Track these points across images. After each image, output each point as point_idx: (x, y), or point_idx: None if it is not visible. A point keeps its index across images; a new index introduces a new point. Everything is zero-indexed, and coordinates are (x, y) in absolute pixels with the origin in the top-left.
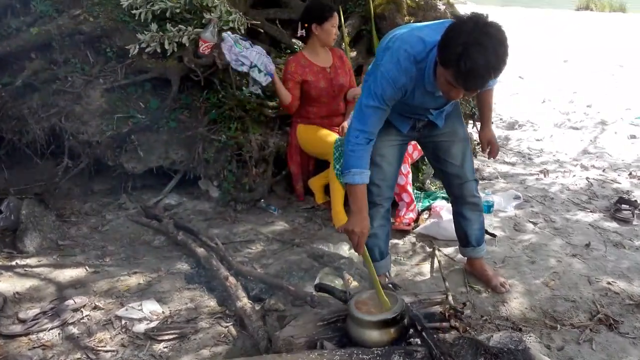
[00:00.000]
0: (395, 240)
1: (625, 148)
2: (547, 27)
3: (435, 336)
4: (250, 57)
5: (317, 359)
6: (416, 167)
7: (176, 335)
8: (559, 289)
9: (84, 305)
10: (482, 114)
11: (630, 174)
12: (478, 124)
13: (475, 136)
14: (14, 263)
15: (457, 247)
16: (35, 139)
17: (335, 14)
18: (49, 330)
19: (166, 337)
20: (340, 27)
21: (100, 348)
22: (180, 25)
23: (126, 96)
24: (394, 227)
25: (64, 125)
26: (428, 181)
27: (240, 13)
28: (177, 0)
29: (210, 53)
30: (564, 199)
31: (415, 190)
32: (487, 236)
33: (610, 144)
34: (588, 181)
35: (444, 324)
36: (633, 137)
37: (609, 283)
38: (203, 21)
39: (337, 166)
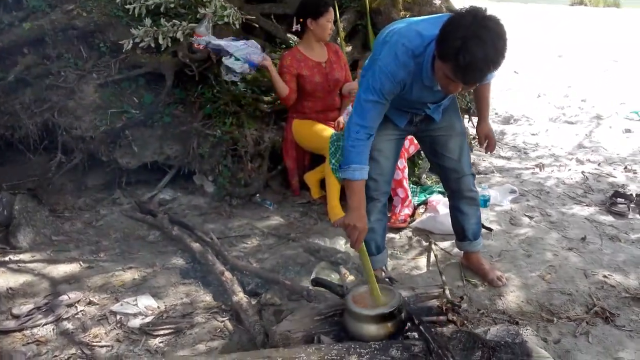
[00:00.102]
0: (392, 235)
1: (620, 142)
2: (541, 22)
3: (432, 330)
4: (227, 47)
5: (315, 353)
6: (412, 161)
7: (172, 330)
8: (555, 282)
9: (79, 301)
10: (480, 108)
11: (625, 167)
12: (474, 119)
13: (471, 130)
14: (7, 259)
15: (454, 241)
16: (28, 134)
17: (331, 8)
18: (43, 325)
19: (162, 332)
20: (335, 21)
21: (95, 343)
22: (174, 20)
23: (120, 91)
24: (390, 225)
25: (57, 121)
26: (424, 175)
27: (235, 8)
28: None
29: (204, 48)
30: (559, 193)
31: (411, 185)
32: (483, 230)
33: (605, 138)
34: (583, 175)
35: (441, 317)
36: (628, 131)
37: (605, 276)
38: (197, 16)
39: (333, 161)
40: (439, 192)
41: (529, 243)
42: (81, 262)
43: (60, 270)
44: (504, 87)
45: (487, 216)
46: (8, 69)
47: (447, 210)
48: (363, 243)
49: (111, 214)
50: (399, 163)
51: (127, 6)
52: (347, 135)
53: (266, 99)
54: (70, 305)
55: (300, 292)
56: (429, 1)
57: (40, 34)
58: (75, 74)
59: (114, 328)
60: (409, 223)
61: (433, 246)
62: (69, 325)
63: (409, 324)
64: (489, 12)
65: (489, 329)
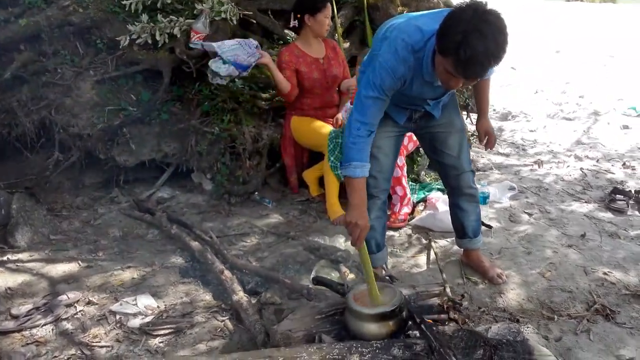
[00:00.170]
0: (391, 232)
1: (618, 138)
2: (538, 18)
3: (434, 328)
4: (217, 48)
5: (316, 352)
6: (411, 158)
7: (172, 330)
8: (556, 279)
9: (78, 301)
10: (479, 104)
11: (624, 164)
12: (472, 115)
13: (469, 127)
14: (5, 258)
15: (453, 238)
16: (25, 132)
17: (328, 4)
18: (43, 326)
19: (162, 332)
20: (333, 17)
21: (95, 344)
22: (171, 16)
23: (117, 88)
24: (390, 224)
25: (54, 118)
26: (423, 173)
27: (232, 3)
28: None
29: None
30: (558, 190)
31: (410, 182)
32: (482, 227)
33: (604, 135)
34: (582, 172)
35: (442, 316)
36: (626, 127)
37: (605, 273)
38: (194, 12)
39: (332, 158)
40: (438, 190)
41: (529, 240)
42: (80, 262)
43: (59, 269)
44: (502, 83)
45: (486, 213)
46: (4, 66)
47: (447, 208)
48: (365, 245)
49: (109, 213)
50: (397, 161)
51: (124, 2)
52: (347, 132)
53: (264, 95)
54: (69, 305)
55: (300, 291)
56: None
57: (36, 30)
58: (72, 70)
59: (114, 328)
60: (409, 221)
61: (433, 244)
62: (68, 326)
63: (410, 322)
64: (489, 7)
65: (490, 327)
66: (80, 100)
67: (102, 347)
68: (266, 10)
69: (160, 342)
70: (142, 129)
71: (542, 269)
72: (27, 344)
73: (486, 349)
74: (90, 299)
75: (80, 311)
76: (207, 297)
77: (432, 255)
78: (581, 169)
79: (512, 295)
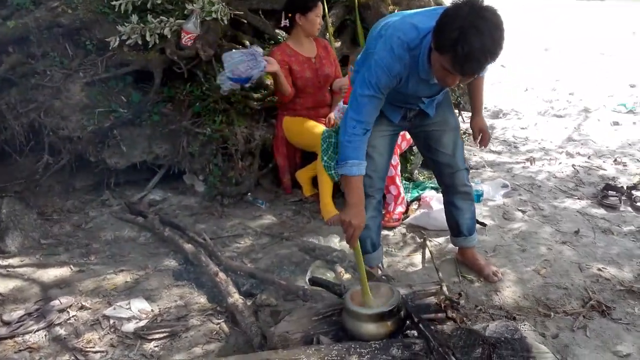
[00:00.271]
0: (386, 232)
1: (609, 135)
2: (526, 15)
3: (432, 328)
4: (224, 61)
5: (315, 354)
6: (404, 157)
7: (167, 334)
8: (551, 276)
9: (70, 306)
10: (474, 102)
11: (615, 160)
12: (464, 113)
13: (461, 125)
14: None
15: (448, 237)
16: (14, 135)
17: (319, 3)
18: (35, 332)
19: (157, 336)
20: (323, 17)
21: (89, 349)
22: (161, 17)
23: (107, 90)
24: (384, 224)
25: (44, 121)
26: (416, 171)
27: (223, 3)
28: None
29: (193, 45)
30: (551, 187)
31: (404, 181)
32: (477, 225)
33: (594, 131)
34: (574, 168)
35: (440, 315)
36: (616, 123)
37: (599, 269)
38: (185, 12)
39: (325, 158)
40: (432, 188)
41: (523, 237)
42: (71, 266)
43: (51, 274)
44: (492, 81)
45: (480, 211)
46: None
47: (441, 206)
48: (358, 242)
49: (100, 216)
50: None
51: (113, 3)
52: (343, 131)
53: (256, 96)
54: (62, 311)
55: (296, 292)
56: None
57: (25, 32)
58: (61, 72)
59: (108, 333)
60: (403, 220)
61: (427, 242)
62: (61, 331)
63: (408, 322)
64: (485, 3)
65: (488, 326)
66: (69, 102)
67: (96, 352)
68: (257, 10)
69: (155, 346)
70: (133, 131)
71: (537, 266)
72: (20, 350)
73: (485, 348)
74: (83, 303)
75: (73, 316)
76: (202, 299)
77: (427, 254)
78: (573, 165)
79: (508, 293)
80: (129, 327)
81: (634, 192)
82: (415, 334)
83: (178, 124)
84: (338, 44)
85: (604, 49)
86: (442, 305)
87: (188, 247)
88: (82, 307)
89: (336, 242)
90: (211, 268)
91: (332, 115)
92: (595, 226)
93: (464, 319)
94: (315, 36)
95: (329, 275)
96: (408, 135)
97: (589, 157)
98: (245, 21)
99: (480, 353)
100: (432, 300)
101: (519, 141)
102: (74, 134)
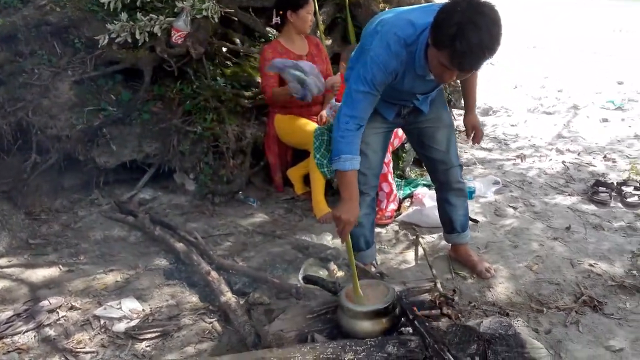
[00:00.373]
0: (378, 229)
1: (598, 131)
2: (513, 13)
3: (427, 324)
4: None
5: (310, 352)
6: (396, 154)
7: (158, 334)
8: (543, 272)
9: (60, 306)
10: (467, 99)
11: (604, 156)
12: (454, 110)
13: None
14: None
15: (440, 234)
16: (1, 135)
17: (310, 0)
18: (24, 333)
19: (148, 336)
20: (314, 14)
21: (79, 349)
22: (151, 15)
23: (96, 88)
24: (377, 221)
25: (32, 120)
26: (408, 169)
27: (214, 1)
28: None
29: (183, 42)
30: (541, 183)
31: (396, 179)
32: (469, 222)
33: (584, 128)
34: (564, 165)
35: (434, 311)
36: (605, 120)
37: (591, 265)
38: (175, 10)
39: (318, 155)
40: (424, 185)
41: (515, 234)
42: (60, 266)
43: (39, 274)
44: (481, 79)
45: (472, 208)
46: None
47: (433, 203)
48: (350, 240)
49: (90, 215)
50: None
51: (102, 0)
52: (336, 127)
53: (247, 94)
54: (51, 311)
55: (289, 290)
56: None
57: (13, 30)
58: (50, 71)
59: (98, 333)
60: (395, 217)
61: (420, 239)
62: (51, 332)
63: (403, 319)
64: None
65: (482, 322)
66: (58, 101)
67: (86, 352)
68: (247, 7)
69: (147, 346)
70: (122, 130)
71: (529, 262)
72: (9, 351)
73: (480, 344)
74: (73, 304)
75: (63, 317)
76: (194, 299)
77: (420, 251)
78: (563, 162)
79: (501, 289)
80: (120, 327)
81: (623, 188)
82: (411, 331)
83: (168, 123)
84: (329, 42)
85: (591, 47)
86: (437, 302)
87: (179, 246)
88: (72, 308)
89: (329, 240)
90: (203, 267)
91: (323, 113)
92: (586, 222)
93: (459, 315)
94: (307, 33)
95: (322, 273)
96: (400, 133)
97: (578, 154)
98: (236, 19)
99: (475, 349)
100: (427, 297)
101: (509, 138)
102: (62, 132)
